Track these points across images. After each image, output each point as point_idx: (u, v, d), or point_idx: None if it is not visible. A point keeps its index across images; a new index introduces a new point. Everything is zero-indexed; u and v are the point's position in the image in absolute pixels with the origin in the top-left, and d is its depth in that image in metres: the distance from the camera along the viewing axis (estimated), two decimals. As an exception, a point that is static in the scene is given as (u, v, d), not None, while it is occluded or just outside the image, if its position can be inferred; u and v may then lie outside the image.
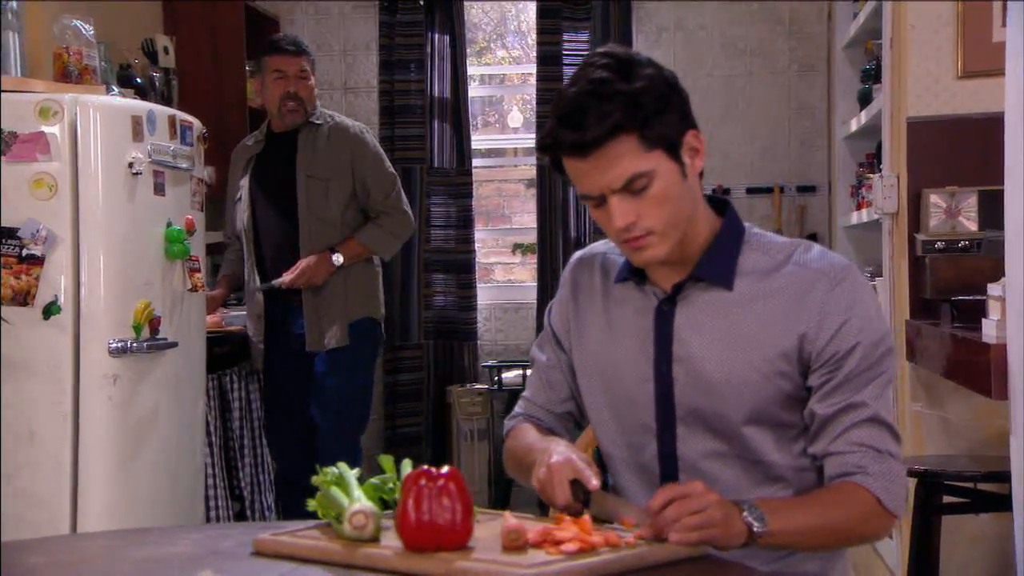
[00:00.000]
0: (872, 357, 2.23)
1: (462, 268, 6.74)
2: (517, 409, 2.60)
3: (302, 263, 5.01)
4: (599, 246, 2.49)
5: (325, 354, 5.09)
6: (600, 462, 2.42)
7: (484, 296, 6.86)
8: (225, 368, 5.13)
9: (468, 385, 6.60)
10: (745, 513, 2.09)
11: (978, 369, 3.30)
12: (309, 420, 5.18)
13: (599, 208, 2.24)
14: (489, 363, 6.60)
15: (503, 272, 7.18)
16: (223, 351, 5.16)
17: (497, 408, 6.43)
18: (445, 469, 2.04)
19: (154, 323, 4.21)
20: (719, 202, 2.38)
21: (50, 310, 3.96)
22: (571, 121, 2.16)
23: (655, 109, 2.17)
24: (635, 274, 2.36)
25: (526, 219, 7.11)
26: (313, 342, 5.06)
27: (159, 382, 4.27)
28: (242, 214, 5.18)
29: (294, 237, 5.08)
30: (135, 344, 4.09)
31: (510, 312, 6.82)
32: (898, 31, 4.37)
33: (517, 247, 7.07)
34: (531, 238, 6.84)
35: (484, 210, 7.22)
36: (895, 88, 4.41)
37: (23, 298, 3.94)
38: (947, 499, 3.85)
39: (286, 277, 5.00)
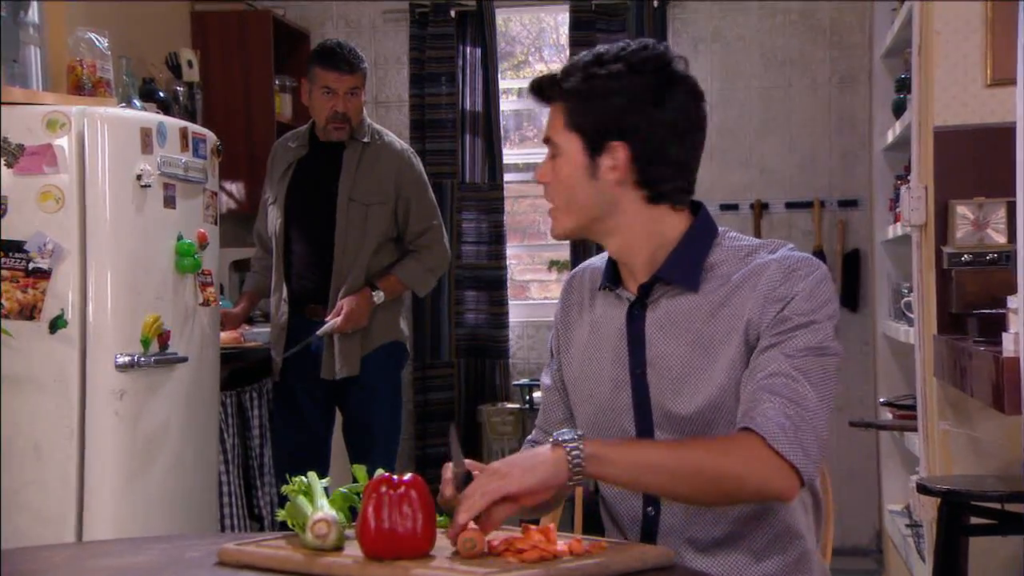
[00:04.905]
0: (796, 329, 2.18)
1: (494, 285, 6.67)
2: (530, 436, 2.62)
3: (345, 305, 4.88)
4: (594, 260, 2.52)
5: (350, 384, 5.01)
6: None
7: (516, 313, 6.78)
8: (244, 385, 5.09)
9: (499, 404, 6.52)
10: (556, 436, 2.08)
11: (994, 383, 3.23)
12: (318, 436, 5.11)
13: None
14: (521, 382, 6.53)
15: (539, 289, 7.10)
16: (242, 367, 5.11)
17: (529, 427, 6.33)
18: (408, 476, 2.05)
19: (164, 337, 4.20)
20: (696, 205, 2.39)
21: (57, 324, 3.96)
22: (547, 74, 2.37)
23: (586, 99, 2.27)
24: (611, 280, 2.39)
25: (561, 235, 7.02)
26: (327, 370, 4.98)
27: (169, 397, 4.26)
28: (275, 220, 5.09)
29: (326, 255, 4.99)
30: (143, 359, 4.09)
31: (543, 330, 6.73)
32: (926, 38, 4.28)
33: (552, 264, 6.98)
34: (566, 255, 6.75)
35: (519, 226, 7.15)
36: (922, 97, 4.31)
37: (29, 312, 3.94)
38: (973, 520, 3.77)
39: (337, 322, 4.87)
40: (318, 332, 4.90)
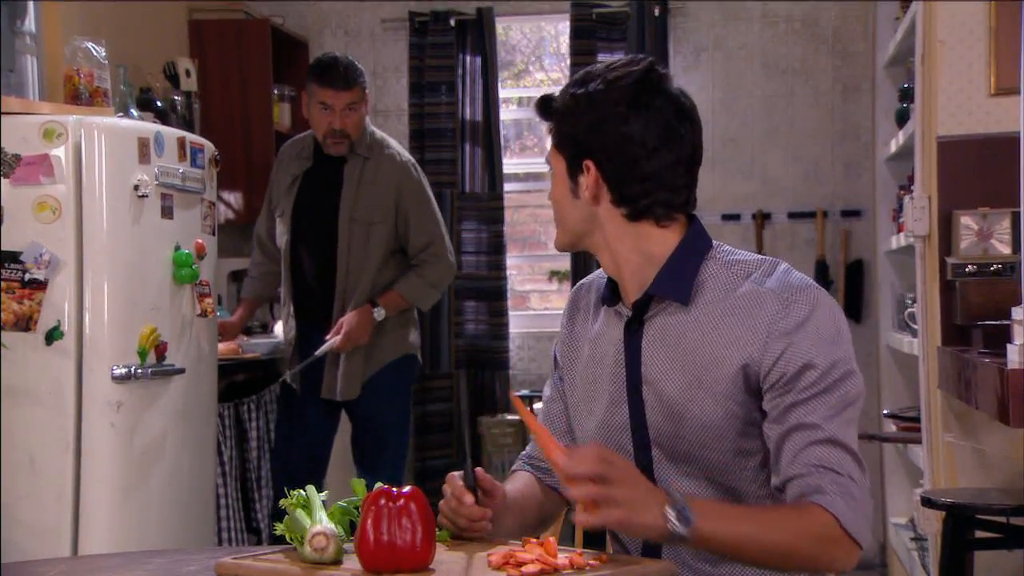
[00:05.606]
0: (826, 381, 2.16)
1: (493, 295, 6.63)
2: (526, 449, 2.62)
3: (345, 324, 4.85)
4: (600, 272, 2.47)
5: (360, 398, 4.97)
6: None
7: (516, 324, 6.74)
8: (242, 397, 5.05)
9: (499, 416, 6.48)
10: (668, 508, 2.01)
11: (998, 396, 3.20)
12: (319, 441, 5.07)
13: None
14: (521, 392, 6.47)
15: (539, 299, 7.05)
16: (240, 379, 5.08)
17: (529, 440, 6.27)
18: (407, 489, 2.04)
19: (160, 349, 4.16)
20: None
21: (52, 335, 3.92)
22: (547, 93, 2.38)
23: (565, 119, 2.29)
24: (610, 296, 2.36)
25: (561, 245, 6.98)
26: (327, 390, 4.96)
27: (166, 409, 4.21)
28: (282, 236, 5.07)
29: (331, 272, 4.96)
30: (140, 370, 4.04)
31: (543, 340, 6.69)
32: (929, 47, 4.25)
33: (553, 274, 6.94)
34: (567, 265, 6.71)
35: (519, 236, 7.11)
36: (926, 106, 4.28)
37: (25, 323, 3.91)
38: (979, 534, 3.75)
39: (335, 340, 4.84)
40: (316, 352, 4.86)
